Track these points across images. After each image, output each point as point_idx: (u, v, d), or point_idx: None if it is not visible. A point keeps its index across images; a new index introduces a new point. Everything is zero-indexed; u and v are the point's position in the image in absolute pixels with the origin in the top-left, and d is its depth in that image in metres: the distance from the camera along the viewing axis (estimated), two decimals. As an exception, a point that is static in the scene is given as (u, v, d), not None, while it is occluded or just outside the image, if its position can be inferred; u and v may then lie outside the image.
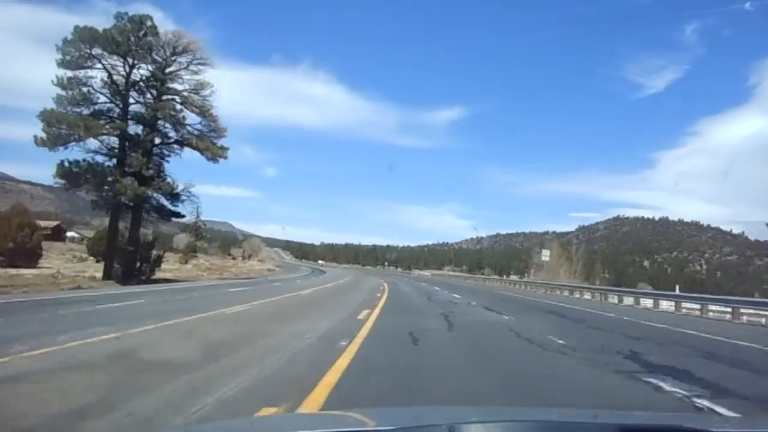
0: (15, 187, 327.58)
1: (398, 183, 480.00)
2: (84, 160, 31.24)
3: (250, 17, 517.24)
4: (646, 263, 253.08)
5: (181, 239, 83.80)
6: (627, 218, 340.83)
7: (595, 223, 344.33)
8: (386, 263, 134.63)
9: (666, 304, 26.69)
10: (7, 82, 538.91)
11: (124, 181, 30.50)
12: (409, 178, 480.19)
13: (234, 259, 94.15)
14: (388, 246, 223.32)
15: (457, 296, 29.85)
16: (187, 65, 33.76)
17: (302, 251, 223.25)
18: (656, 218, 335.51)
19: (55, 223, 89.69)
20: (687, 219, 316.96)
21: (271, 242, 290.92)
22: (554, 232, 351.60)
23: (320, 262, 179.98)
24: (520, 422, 2.19)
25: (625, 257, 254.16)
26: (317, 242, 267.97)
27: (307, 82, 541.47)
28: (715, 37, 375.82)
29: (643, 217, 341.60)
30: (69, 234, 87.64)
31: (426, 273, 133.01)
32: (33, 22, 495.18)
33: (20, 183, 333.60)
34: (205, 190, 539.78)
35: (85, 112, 30.81)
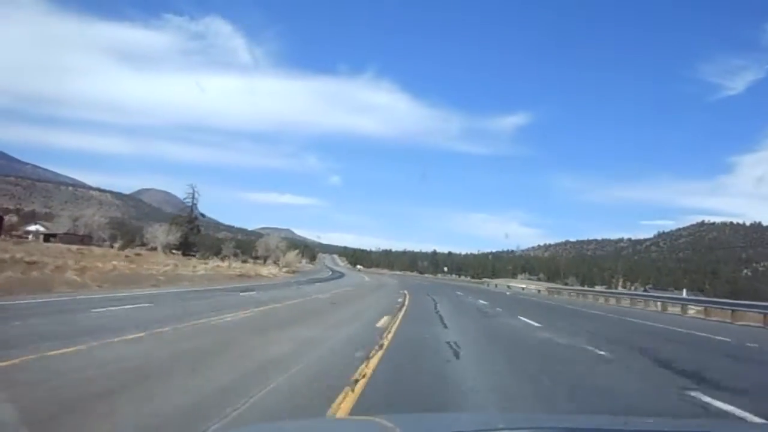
0: (86, 193, 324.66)
1: (461, 190, 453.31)
2: None
3: (317, 28, 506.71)
4: (746, 272, 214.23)
5: (156, 232, 60.45)
6: (713, 224, 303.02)
7: (677, 230, 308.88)
8: (445, 269, 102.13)
9: None
10: (84, 95, 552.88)
11: None
12: (473, 185, 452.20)
13: (247, 261, 69.87)
14: (449, 253, 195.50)
15: None
16: None
17: (355, 257, 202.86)
18: (747, 224, 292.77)
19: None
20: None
21: (332, 249, 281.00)
22: (629, 240, 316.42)
23: (358, 267, 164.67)
24: (547, 429, 2.04)
25: (719, 265, 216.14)
26: (379, 249, 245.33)
27: (371, 91, 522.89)
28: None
29: (731, 223, 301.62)
30: (33, 228, 65.77)
31: (529, 287, 72.90)
32: (114, 38, 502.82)
33: (91, 190, 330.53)
34: (269, 198, 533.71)
35: None
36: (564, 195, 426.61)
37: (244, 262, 64.96)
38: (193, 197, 70.25)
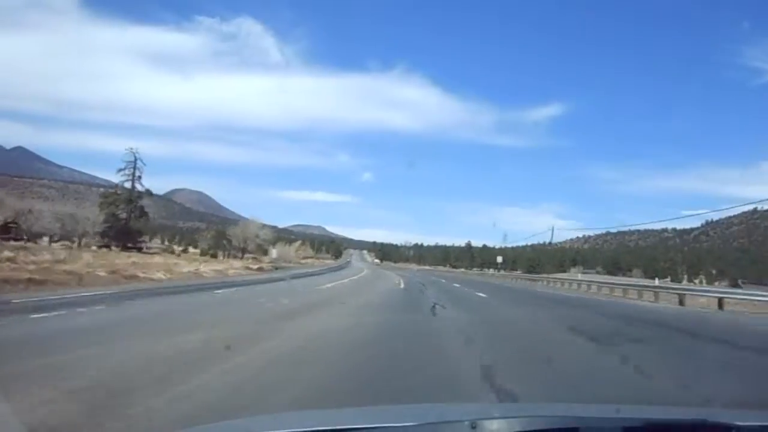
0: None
1: (494, 184, 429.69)
2: None
3: (346, 24, 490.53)
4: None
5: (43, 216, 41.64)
6: (767, 211, 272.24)
7: (727, 218, 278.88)
8: (500, 259, 78.42)
9: None
10: (118, 99, 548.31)
11: None
12: (506, 178, 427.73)
13: (216, 255, 50.80)
14: (484, 246, 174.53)
15: None
16: None
17: (384, 252, 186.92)
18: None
19: None
20: None
21: (363, 245, 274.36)
22: (674, 230, 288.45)
23: (375, 261, 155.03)
24: (542, 417, 2.00)
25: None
26: (410, 244, 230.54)
27: (402, 86, 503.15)
28: None
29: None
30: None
31: None
32: (147, 42, 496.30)
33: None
34: (302, 196, 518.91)
35: None
36: (600, 186, 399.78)
37: (213, 257, 46.44)
38: (134, 167, 50.19)
